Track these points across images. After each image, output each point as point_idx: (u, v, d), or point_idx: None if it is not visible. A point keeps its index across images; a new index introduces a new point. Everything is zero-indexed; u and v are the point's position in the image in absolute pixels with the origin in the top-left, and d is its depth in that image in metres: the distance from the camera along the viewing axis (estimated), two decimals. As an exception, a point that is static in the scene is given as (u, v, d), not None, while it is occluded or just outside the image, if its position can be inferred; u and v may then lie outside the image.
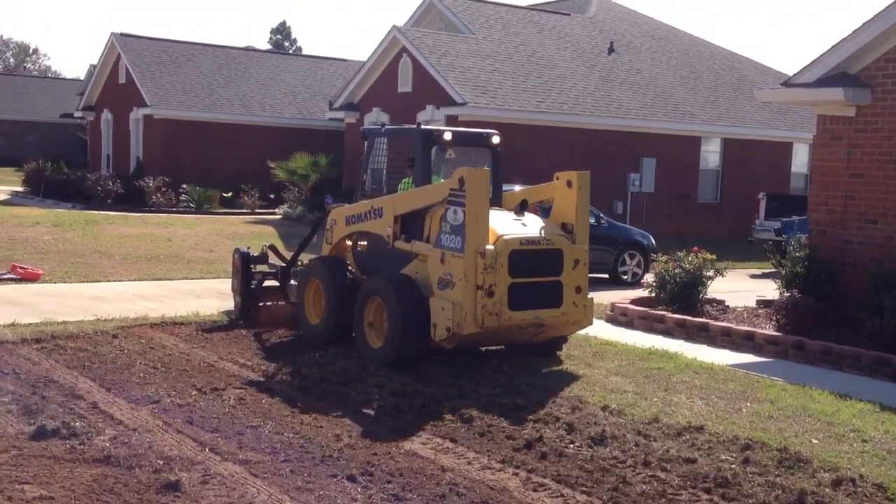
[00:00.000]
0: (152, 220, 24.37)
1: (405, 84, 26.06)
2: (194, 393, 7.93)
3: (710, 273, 12.39)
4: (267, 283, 11.22)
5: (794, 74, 12.31)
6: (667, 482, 6.11)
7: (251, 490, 5.75)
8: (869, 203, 11.32)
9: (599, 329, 11.15)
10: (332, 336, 9.75)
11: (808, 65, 11.97)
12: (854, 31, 11.36)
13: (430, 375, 8.58)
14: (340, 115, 28.85)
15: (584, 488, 5.98)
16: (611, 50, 29.43)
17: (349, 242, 10.42)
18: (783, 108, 27.51)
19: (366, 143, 10.41)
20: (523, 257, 8.65)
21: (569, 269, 8.92)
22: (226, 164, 31.04)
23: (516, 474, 6.25)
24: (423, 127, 9.76)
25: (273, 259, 11.50)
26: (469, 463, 6.46)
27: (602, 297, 14.42)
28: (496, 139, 9.93)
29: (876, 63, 11.30)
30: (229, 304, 12.02)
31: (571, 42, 29.20)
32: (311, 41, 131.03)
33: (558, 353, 9.68)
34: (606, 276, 16.76)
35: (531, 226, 9.03)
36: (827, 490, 5.96)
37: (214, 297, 12.93)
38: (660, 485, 6.06)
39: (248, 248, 11.68)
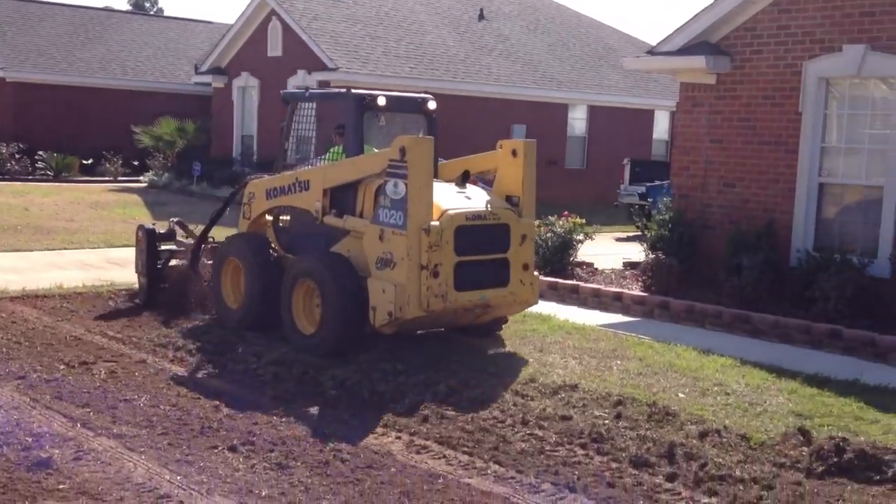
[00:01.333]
0: (6, 188, 23.16)
1: (275, 48, 25.53)
2: (62, 367, 7.64)
3: (580, 237, 12.76)
4: (174, 261, 10.35)
5: (658, 43, 12.70)
6: (545, 439, 6.29)
7: (128, 465, 5.60)
8: (728, 168, 11.83)
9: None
10: (255, 321, 8.93)
11: (671, 34, 12.37)
12: (714, 1, 11.79)
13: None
14: (207, 79, 28.05)
15: (466, 448, 6.09)
16: (481, 17, 29.61)
17: (269, 217, 9.57)
18: (646, 76, 28.34)
19: (287, 109, 9.43)
20: (469, 233, 8.00)
21: (516, 244, 8.31)
22: (86, 129, 29.73)
23: (399, 438, 6.31)
24: (354, 91, 8.85)
25: (181, 236, 10.60)
26: (352, 429, 6.48)
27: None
28: (432, 104, 9.17)
29: (735, 32, 11.77)
30: (93, 275, 11.60)
31: (442, 8, 29.22)
32: (173, 2, 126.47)
33: (499, 333, 9.14)
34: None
35: (476, 199, 8.35)
36: (694, 441, 6.26)
37: (78, 268, 12.44)
38: (538, 442, 6.23)
39: (154, 223, 10.71)
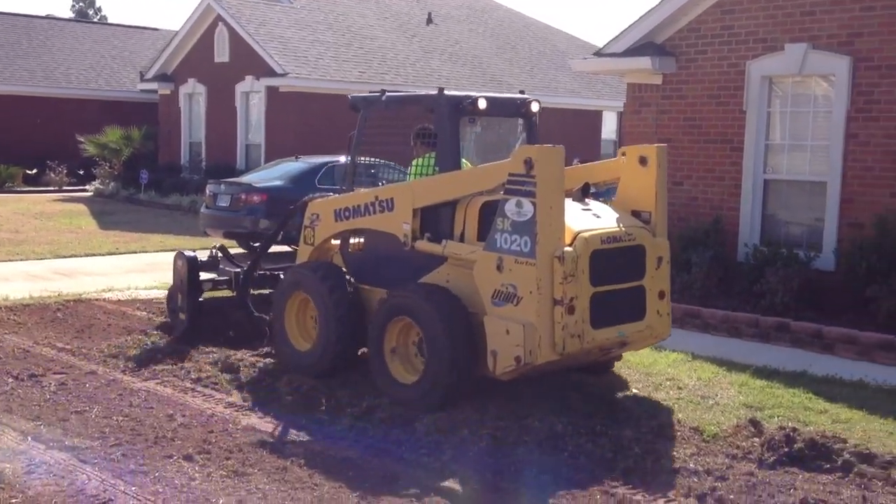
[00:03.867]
0: (-52, 200, 22.68)
1: (222, 54, 25.30)
2: (10, 381, 7.50)
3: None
4: (215, 292, 9.13)
5: (605, 45, 12.85)
6: (502, 439, 6.30)
7: (81, 477, 5.52)
8: (676, 166, 12.00)
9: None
10: (332, 365, 7.59)
11: (618, 35, 12.52)
12: (660, 3, 11.96)
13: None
14: (154, 86, 27.68)
15: (424, 451, 6.08)
16: (429, 20, 29.66)
17: (336, 242, 8.25)
18: (594, 77, 28.64)
19: (359, 117, 8.17)
20: (605, 259, 6.65)
21: (651, 269, 7.00)
22: (30, 139, 29.18)
23: (359, 441, 6.29)
24: (448, 93, 7.45)
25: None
26: (310, 434, 6.45)
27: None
28: (536, 106, 7.91)
29: (680, 33, 11.96)
30: (40, 286, 11.40)
31: (391, 12, 29.22)
32: (116, 10, 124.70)
33: (612, 370, 7.97)
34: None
35: (605, 217, 6.97)
36: (650, 436, 6.34)
37: (24, 279, 12.21)
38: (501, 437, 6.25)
39: (195, 251, 9.16)
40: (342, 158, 16.66)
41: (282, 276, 8.61)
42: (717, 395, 7.50)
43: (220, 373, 7.77)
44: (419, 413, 6.58)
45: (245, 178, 16.66)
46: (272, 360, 8.10)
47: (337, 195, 8.24)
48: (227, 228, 15.23)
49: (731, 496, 5.37)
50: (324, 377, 7.49)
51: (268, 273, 8.99)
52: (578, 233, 6.60)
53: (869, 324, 9.46)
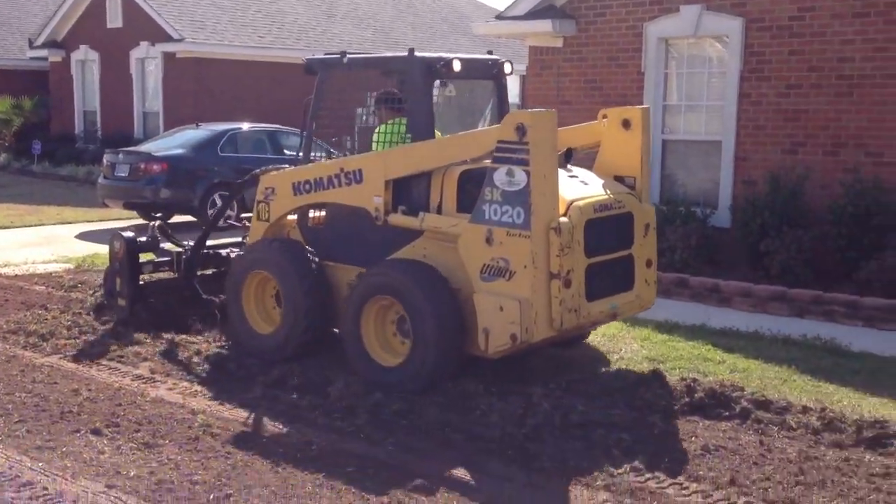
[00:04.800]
0: None
1: (115, 19, 24.46)
2: None
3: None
4: (156, 274, 8.54)
5: (507, 8, 12.91)
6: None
7: (-16, 456, 5.38)
8: (578, 128, 12.18)
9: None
10: (297, 348, 7.11)
11: (519, -2, 12.61)
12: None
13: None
14: (43, 53, 26.60)
15: (336, 424, 6.13)
16: (329, -16, 29.21)
17: (292, 217, 7.65)
18: (497, 41, 28.72)
19: (316, 81, 7.50)
20: (597, 228, 6.39)
21: (639, 237, 6.81)
22: None
23: (271, 409, 6.28)
24: (419, 54, 6.97)
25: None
26: (221, 404, 6.41)
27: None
28: (508, 68, 7.48)
29: (578, -4, 12.10)
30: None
31: (289, -25, 28.65)
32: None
33: (585, 341, 7.82)
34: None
35: (592, 184, 6.68)
36: (558, 392, 6.48)
37: (-87, 257, 11.72)
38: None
39: (132, 230, 8.50)
40: (244, 125, 16.46)
41: (227, 254, 8.29)
42: (621, 350, 7.74)
43: (127, 346, 7.61)
44: (406, 394, 6.27)
45: (144, 147, 16.25)
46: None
47: (293, 167, 7.59)
48: (126, 199, 14.87)
49: (637, 446, 5.57)
50: (291, 360, 7.01)
51: (210, 252, 8.46)
52: (572, 202, 6.28)
53: (763, 277, 9.87)
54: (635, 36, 11.63)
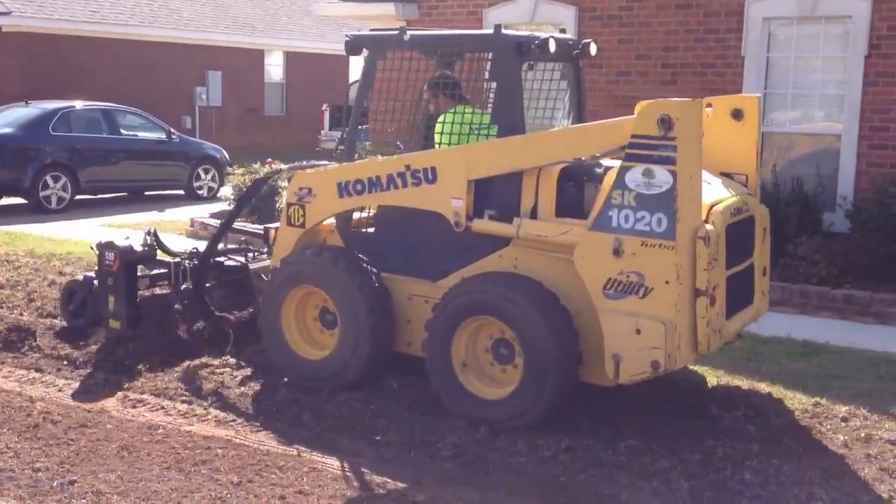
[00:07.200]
0: None
1: (-70, -11, 22.90)
2: None
3: (284, 183, 12.87)
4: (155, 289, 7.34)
5: (350, -10, 12.99)
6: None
7: None
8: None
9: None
10: (362, 375, 6.02)
11: (362, -19, 12.70)
12: (400, -50, 12.23)
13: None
14: None
15: (184, 398, 6.13)
16: (166, -42, 28.32)
17: (329, 222, 6.47)
18: (340, 22, 28.63)
19: (365, 62, 6.37)
20: (732, 235, 5.49)
21: (759, 243, 5.97)
22: None
23: (113, 395, 6.22)
24: (507, 32, 5.88)
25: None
26: (60, 390, 6.29)
27: (181, 214, 14.44)
28: (594, 49, 6.45)
29: (421, -19, 12.31)
30: None
31: (123, -52, 27.59)
32: None
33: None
34: (182, 192, 16.67)
35: (713, 183, 5.74)
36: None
37: None
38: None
39: (128, 238, 7.20)
40: (78, 104, 15.85)
41: (239, 263, 7.31)
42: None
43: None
44: (505, 432, 5.38)
45: (-31, 127, 15.37)
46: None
47: (336, 164, 6.38)
48: (-50, 181, 14.09)
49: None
50: (351, 389, 6.00)
51: (212, 263, 7.28)
52: (711, 206, 5.38)
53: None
54: (476, 21, 11.93)
